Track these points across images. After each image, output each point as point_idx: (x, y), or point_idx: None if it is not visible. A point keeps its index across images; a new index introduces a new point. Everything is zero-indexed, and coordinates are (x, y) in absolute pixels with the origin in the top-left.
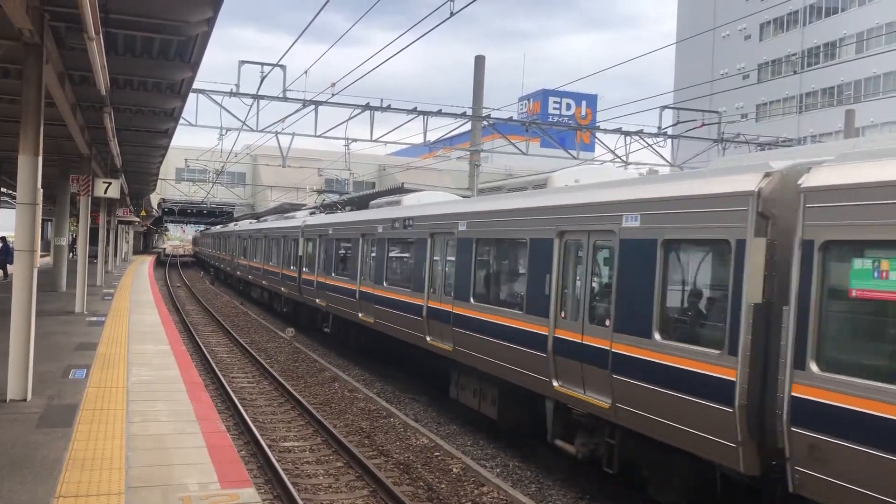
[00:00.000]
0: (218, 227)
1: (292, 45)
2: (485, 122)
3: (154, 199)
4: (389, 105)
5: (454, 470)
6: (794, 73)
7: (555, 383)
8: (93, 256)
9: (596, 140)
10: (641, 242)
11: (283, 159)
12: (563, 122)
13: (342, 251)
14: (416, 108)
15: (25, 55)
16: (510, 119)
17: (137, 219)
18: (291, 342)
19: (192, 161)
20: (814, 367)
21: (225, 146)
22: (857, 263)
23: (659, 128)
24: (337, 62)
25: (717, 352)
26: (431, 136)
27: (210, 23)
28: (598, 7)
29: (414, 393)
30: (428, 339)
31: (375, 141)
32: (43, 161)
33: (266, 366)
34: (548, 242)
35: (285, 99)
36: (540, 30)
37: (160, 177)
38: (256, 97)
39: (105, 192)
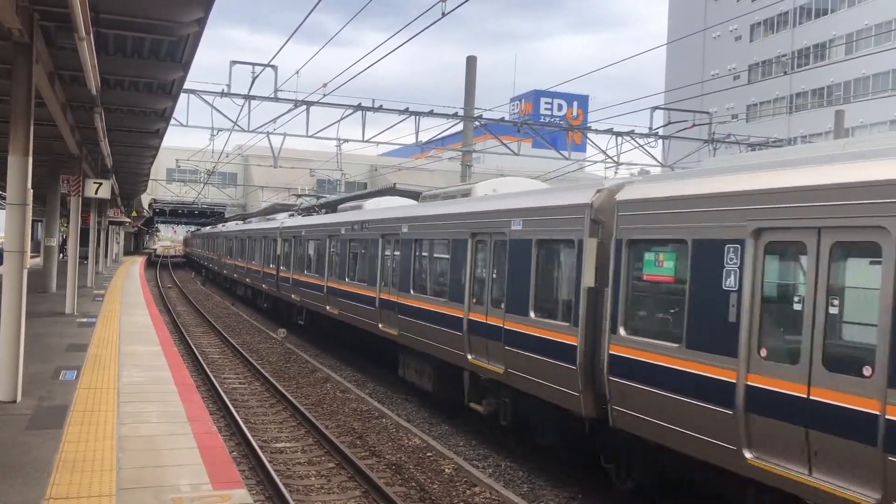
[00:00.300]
0: (207, 227)
1: (283, 45)
2: (476, 123)
3: (145, 199)
4: (381, 105)
5: (446, 470)
6: (785, 73)
7: (469, 357)
8: (83, 257)
9: (587, 140)
10: (522, 242)
11: (275, 160)
12: (554, 122)
13: (313, 251)
14: (407, 108)
15: (15, 55)
16: (502, 119)
17: (128, 219)
18: (283, 343)
19: (183, 161)
20: (622, 331)
21: (216, 146)
22: (647, 256)
23: (650, 128)
24: (328, 63)
25: (567, 324)
26: (423, 137)
27: (201, 23)
28: (589, 8)
29: (406, 394)
30: (380, 325)
31: (367, 141)
32: (33, 161)
33: (258, 367)
34: (464, 242)
35: (277, 99)
36: (531, 30)
37: (151, 177)
38: (248, 97)
39: (96, 193)
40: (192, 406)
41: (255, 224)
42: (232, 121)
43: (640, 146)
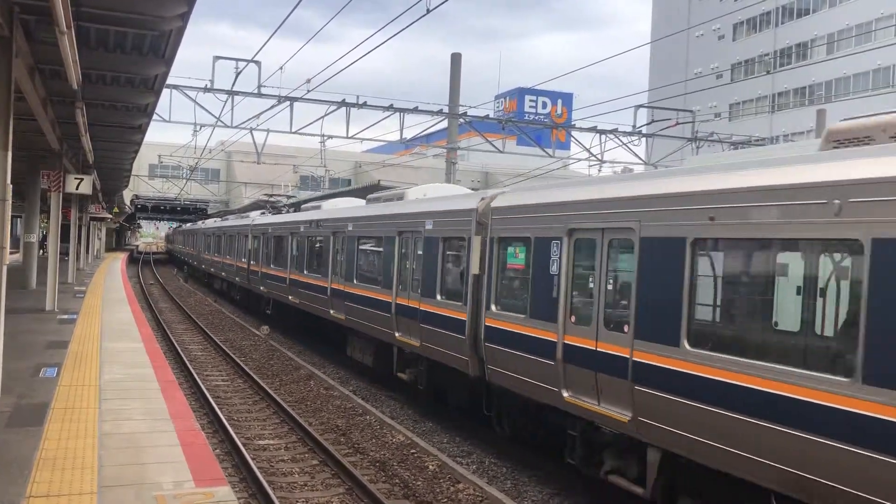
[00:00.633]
0: (188, 224)
1: (267, 41)
2: (461, 120)
3: (127, 195)
4: (365, 102)
5: (430, 467)
6: (767, 73)
7: (397, 334)
8: (64, 253)
9: (571, 138)
10: (433, 239)
11: (258, 156)
12: (538, 120)
13: (278, 247)
14: (392, 105)
15: None
16: (486, 117)
17: (110, 215)
18: (266, 340)
19: (165, 157)
20: (494, 308)
21: (199, 142)
22: (509, 249)
23: (634, 126)
24: (312, 59)
25: (460, 303)
26: (408, 134)
27: (184, 17)
28: (573, 7)
29: (390, 391)
30: (331, 312)
31: (351, 138)
32: (12, 156)
33: (241, 364)
34: (392, 239)
35: (260, 95)
36: (516, 29)
37: (133, 173)
38: (231, 93)
39: (77, 189)
40: (175, 403)
41: (231, 221)
42: (215, 116)
43: (624, 144)
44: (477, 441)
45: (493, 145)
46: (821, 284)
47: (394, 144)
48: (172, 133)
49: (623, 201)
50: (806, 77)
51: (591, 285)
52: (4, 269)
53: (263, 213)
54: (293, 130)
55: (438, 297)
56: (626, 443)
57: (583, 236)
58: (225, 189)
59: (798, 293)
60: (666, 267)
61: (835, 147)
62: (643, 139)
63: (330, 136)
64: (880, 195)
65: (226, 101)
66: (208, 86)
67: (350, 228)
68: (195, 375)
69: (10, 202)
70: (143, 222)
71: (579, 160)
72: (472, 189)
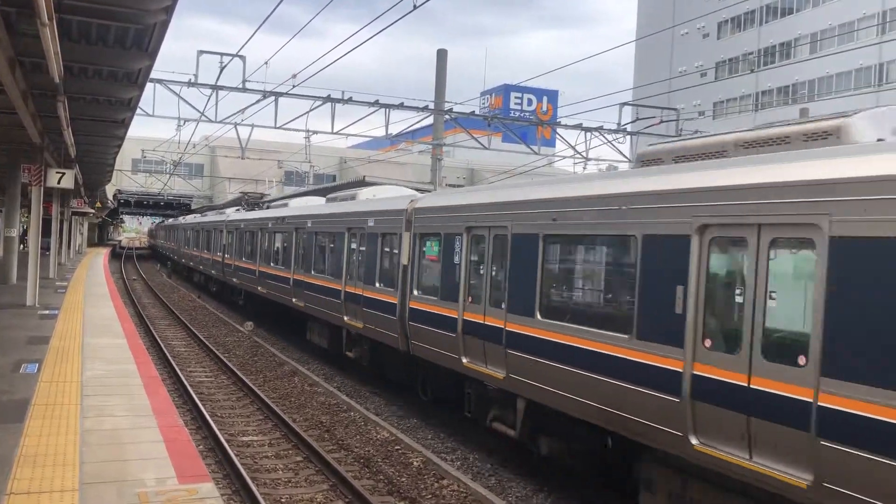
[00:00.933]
0: (170, 220)
1: (252, 35)
2: (447, 116)
3: (109, 190)
4: (351, 98)
5: (415, 463)
6: (751, 71)
7: (345, 318)
8: (45, 248)
9: (556, 135)
10: (374, 234)
11: (242, 151)
12: (524, 117)
13: (249, 241)
14: (377, 100)
15: None
16: (472, 113)
17: (92, 210)
18: (250, 336)
19: (148, 152)
20: (416, 292)
21: (183, 137)
22: (427, 243)
23: (618, 124)
24: (298, 54)
25: (392, 289)
26: (393, 130)
27: (168, 11)
28: (559, 4)
29: (374, 387)
30: (293, 300)
31: (336, 133)
32: None
33: (224, 360)
34: (342, 234)
35: (245, 90)
36: (501, 26)
37: (116, 167)
38: (215, 88)
39: (58, 183)
40: (158, 399)
41: (209, 217)
42: (199, 111)
43: (609, 142)
44: (461, 438)
45: (479, 142)
46: (618, 269)
47: (379, 140)
48: (156, 127)
49: (501, 205)
50: (789, 76)
51: (482, 272)
52: None
53: (238, 210)
54: (278, 125)
55: (377, 285)
56: (504, 396)
57: (476, 233)
58: (209, 184)
59: (604, 275)
60: (527, 256)
61: (641, 166)
62: (628, 137)
63: (315, 132)
64: (647, 203)
65: (210, 96)
66: (192, 80)
67: (309, 225)
68: (178, 371)
69: None
70: (125, 217)
71: (564, 157)
72: (457, 185)
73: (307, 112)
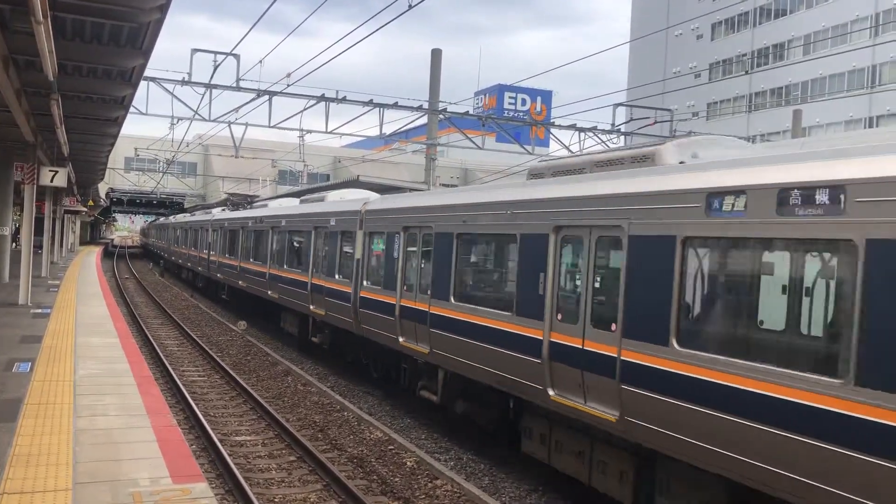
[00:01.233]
0: (161, 219)
1: (246, 34)
2: (441, 116)
3: (102, 188)
4: (345, 97)
5: (408, 463)
6: (745, 73)
7: (311, 307)
8: (37, 247)
9: (550, 135)
10: (335, 232)
11: (236, 150)
12: (518, 117)
13: (231, 239)
14: (371, 100)
15: None
16: (466, 113)
17: (85, 208)
18: (243, 335)
19: (142, 150)
20: (365, 283)
21: (176, 135)
22: (375, 240)
23: (612, 125)
24: (292, 53)
25: (349, 280)
26: (387, 129)
27: (163, 9)
28: (553, 4)
29: (367, 387)
30: (269, 293)
31: (330, 132)
32: None
33: (217, 359)
34: (309, 232)
35: (239, 88)
36: (495, 26)
37: (109, 166)
38: (209, 86)
39: (51, 181)
40: (151, 399)
41: (197, 217)
42: (193, 109)
43: (603, 142)
44: (455, 438)
45: (473, 142)
46: (507, 261)
47: (373, 140)
48: (149, 126)
49: (429, 209)
50: (783, 77)
51: (414, 264)
52: None
53: (224, 210)
54: (272, 125)
55: (337, 277)
56: (429, 368)
57: (411, 232)
58: (202, 183)
59: (498, 266)
60: (446, 251)
61: (531, 179)
62: (622, 137)
63: (309, 131)
64: (524, 209)
65: (204, 95)
66: (186, 78)
67: (283, 224)
68: (171, 371)
69: None
70: (118, 216)
71: (552, 156)
72: (451, 185)
73: (301, 111)
